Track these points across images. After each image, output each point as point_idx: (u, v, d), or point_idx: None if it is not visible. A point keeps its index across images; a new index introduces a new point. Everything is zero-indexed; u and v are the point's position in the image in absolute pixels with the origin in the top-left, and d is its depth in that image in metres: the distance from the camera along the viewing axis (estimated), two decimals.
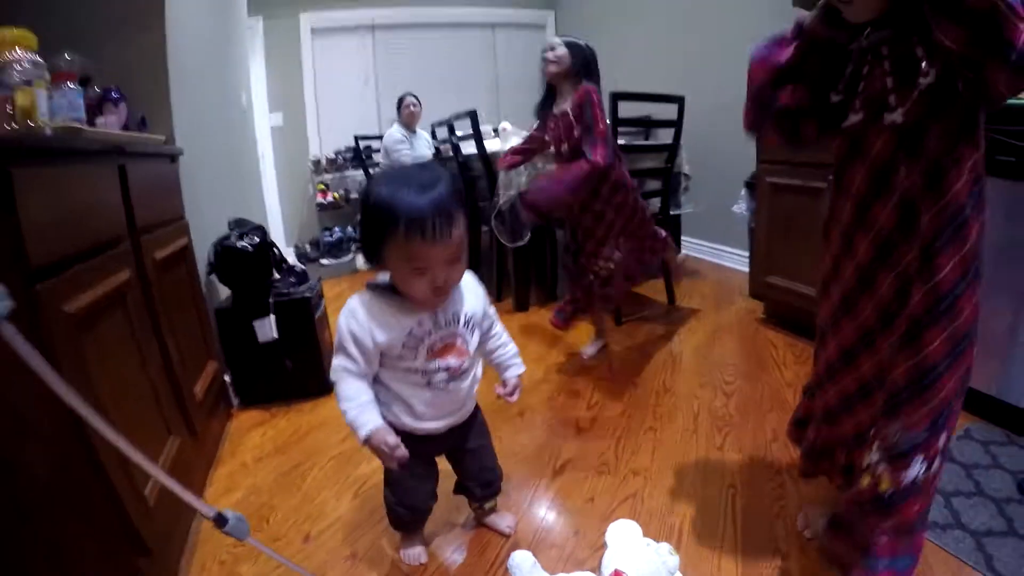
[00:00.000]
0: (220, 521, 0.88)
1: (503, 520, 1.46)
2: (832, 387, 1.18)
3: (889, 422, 1.00)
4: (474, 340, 1.24)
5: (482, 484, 1.39)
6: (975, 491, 1.47)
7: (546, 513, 1.51)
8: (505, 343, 1.33)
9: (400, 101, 4.29)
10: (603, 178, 2.17)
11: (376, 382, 1.19)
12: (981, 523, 1.36)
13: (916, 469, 0.98)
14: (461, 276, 1.17)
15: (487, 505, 1.44)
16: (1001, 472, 1.53)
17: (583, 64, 2.14)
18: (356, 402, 1.12)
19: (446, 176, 1.09)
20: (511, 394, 1.31)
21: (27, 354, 0.63)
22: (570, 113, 2.15)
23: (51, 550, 1.08)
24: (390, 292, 1.14)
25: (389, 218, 1.03)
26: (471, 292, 1.24)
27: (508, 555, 1.29)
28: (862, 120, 1.02)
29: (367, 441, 1.10)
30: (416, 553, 1.37)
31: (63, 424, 1.01)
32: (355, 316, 1.13)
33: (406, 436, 1.15)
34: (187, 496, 0.86)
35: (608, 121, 2.20)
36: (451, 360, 1.19)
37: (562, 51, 2.12)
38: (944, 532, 1.34)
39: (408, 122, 4.28)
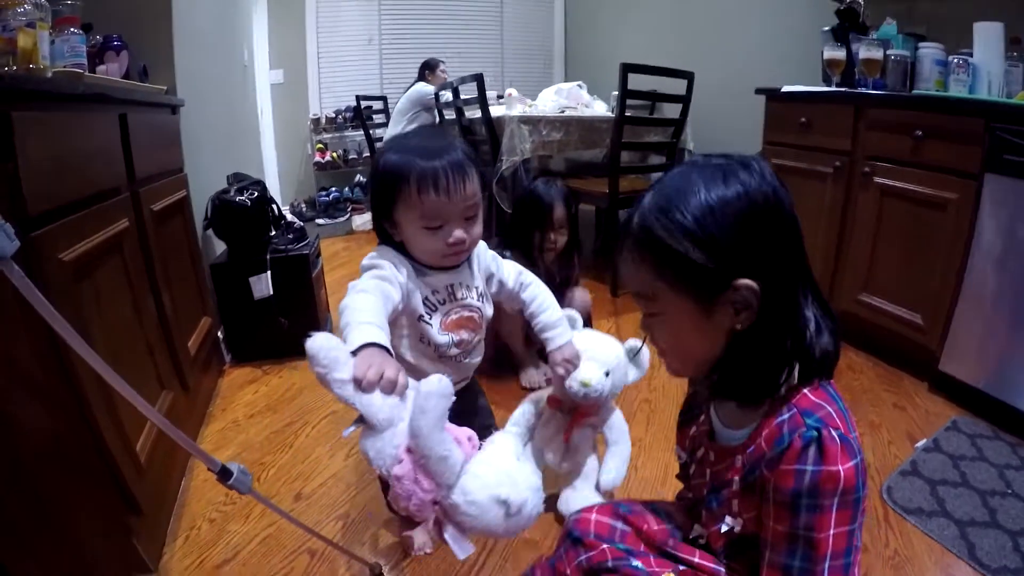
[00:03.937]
0: (225, 474, 0.88)
1: None
2: None
3: None
4: (488, 310, 1.19)
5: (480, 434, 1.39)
6: (960, 481, 1.48)
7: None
8: (545, 308, 1.20)
9: (433, 65, 4.28)
10: None
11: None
12: (965, 513, 1.37)
13: None
14: (478, 238, 1.09)
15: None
16: (986, 465, 1.54)
17: None
18: (364, 311, 0.86)
19: (458, 140, 1.05)
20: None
21: (31, 295, 0.63)
22: None
23: (44, 507, 1.08)
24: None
25: (400, 177, 0.98)
26: (483, 262, 1.19)
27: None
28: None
29: (359, 350, 0.78)
30: (422, 541, 1.22)
31: (57, 379, 1.00)
32: (383, 255, 1.05)
33: None
34: (192, 446, 0.86)
35: None
36: (464, 334, 1.13)
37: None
38: (929, 519, 1.36)
39: (434, 86, 4.25)
